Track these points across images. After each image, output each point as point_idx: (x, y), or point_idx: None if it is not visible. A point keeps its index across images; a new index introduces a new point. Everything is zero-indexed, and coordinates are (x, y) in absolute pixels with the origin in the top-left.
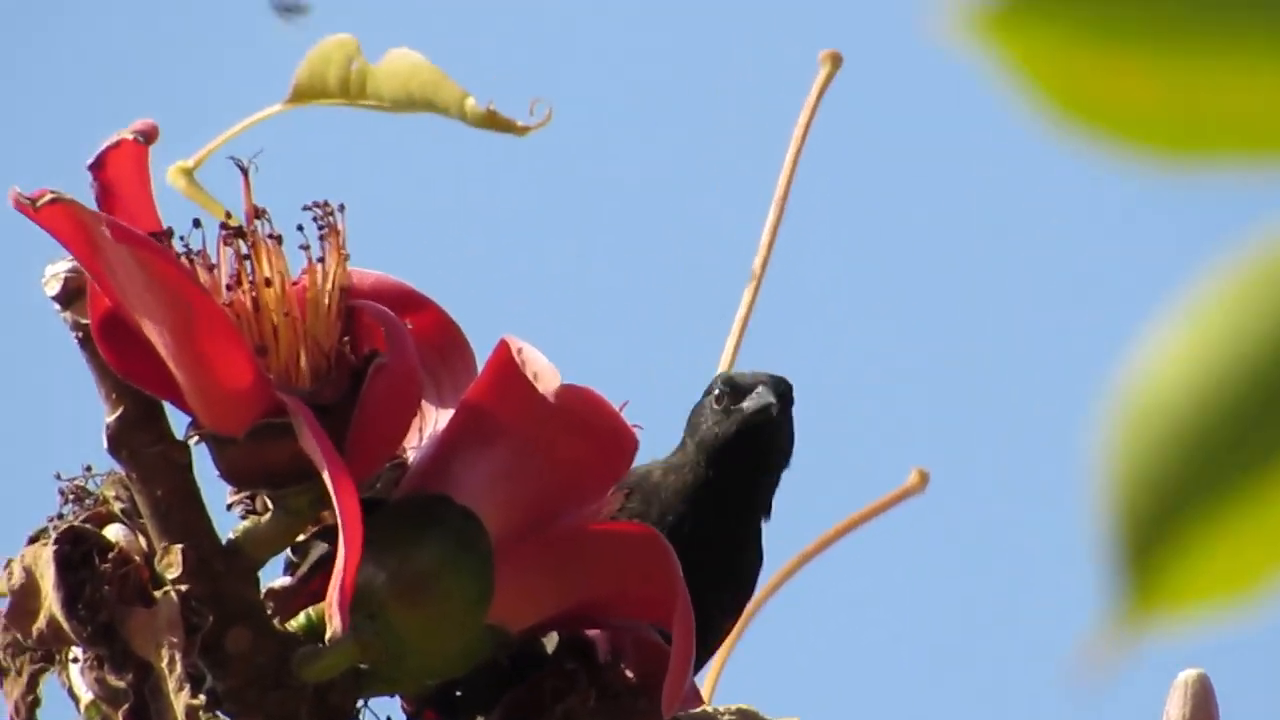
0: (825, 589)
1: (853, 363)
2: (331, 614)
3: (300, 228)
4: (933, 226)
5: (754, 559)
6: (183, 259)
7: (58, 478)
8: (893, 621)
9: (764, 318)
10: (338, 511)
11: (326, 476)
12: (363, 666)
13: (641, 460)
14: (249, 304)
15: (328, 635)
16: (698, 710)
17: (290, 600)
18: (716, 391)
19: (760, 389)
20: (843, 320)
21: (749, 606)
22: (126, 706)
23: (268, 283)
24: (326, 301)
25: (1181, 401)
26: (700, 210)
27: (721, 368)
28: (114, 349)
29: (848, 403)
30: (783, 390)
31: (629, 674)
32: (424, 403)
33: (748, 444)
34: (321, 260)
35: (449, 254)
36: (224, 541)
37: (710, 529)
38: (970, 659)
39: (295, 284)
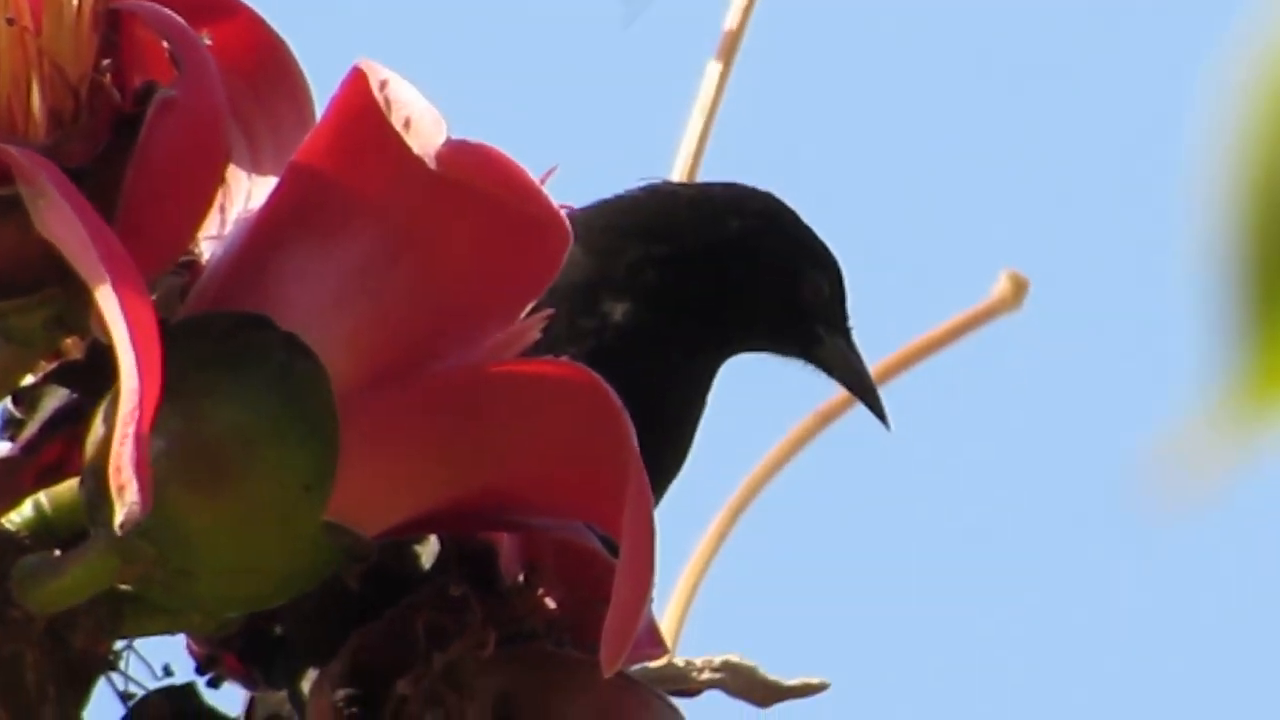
0: (860, 455)
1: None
2: (121, 483)
3: None
4: None
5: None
6: None
7: None
8: (977, 497)
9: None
10: (116, 324)
11: (97, 270)
12: (124, 588)
13: None
14: None
15: (95, 529)
16: (659, 663)
17: (9, 480)
18: (812, 281)
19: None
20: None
21: (739, 497)
22: None
23: None
24: (75, 2)
25: None
26: None
27: (684, 149)
28: None
29: (899, 189)
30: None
31: (550, 603)
32: (231, 166)
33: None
34: None
35: None
36: None
37: (650, 362)
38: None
39: None
